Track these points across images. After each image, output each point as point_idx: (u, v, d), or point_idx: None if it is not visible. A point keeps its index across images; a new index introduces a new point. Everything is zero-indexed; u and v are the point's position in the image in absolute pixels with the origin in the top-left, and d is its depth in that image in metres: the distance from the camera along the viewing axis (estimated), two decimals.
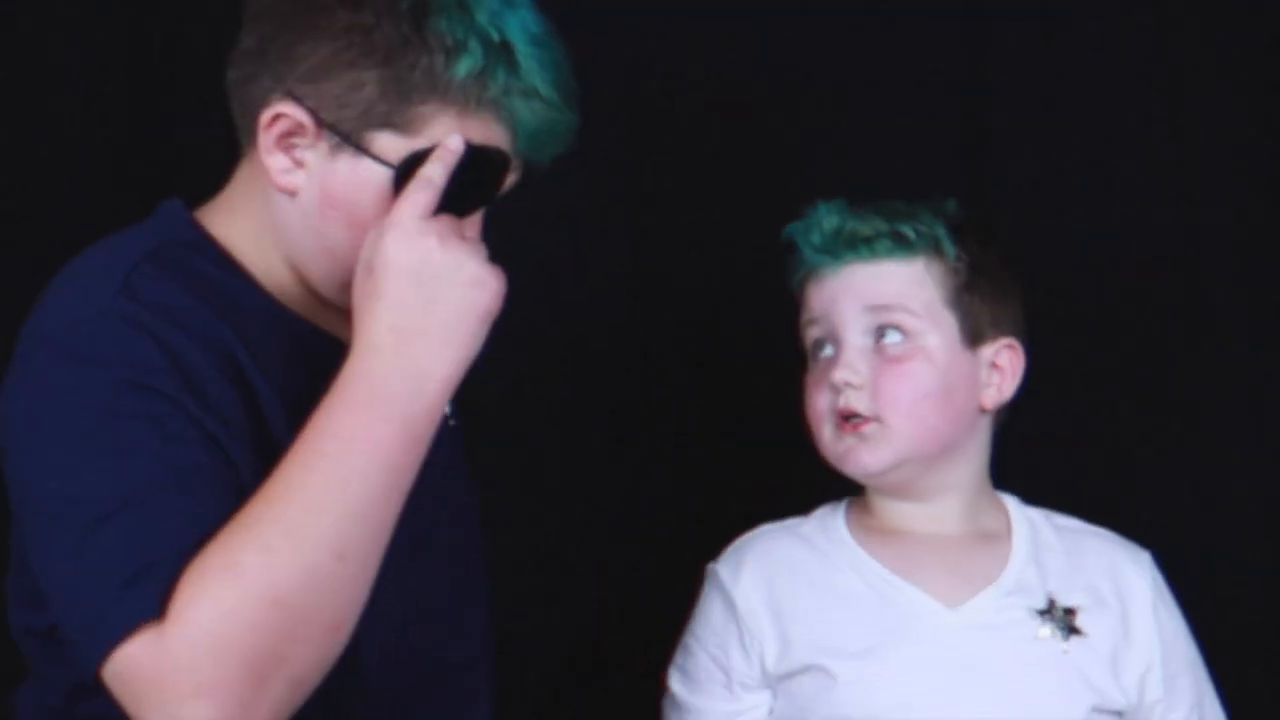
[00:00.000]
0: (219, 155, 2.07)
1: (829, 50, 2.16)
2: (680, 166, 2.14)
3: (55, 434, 1.26)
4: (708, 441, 2.14)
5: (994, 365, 1.71)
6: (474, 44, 1.34)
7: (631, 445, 2.15)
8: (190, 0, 2.09)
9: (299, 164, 1.37)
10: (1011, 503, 1.77)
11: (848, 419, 1.68)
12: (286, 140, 1.36)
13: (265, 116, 1.36)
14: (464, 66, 1.33)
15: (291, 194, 1.38)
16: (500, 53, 1.35)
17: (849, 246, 1.70)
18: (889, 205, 1.73)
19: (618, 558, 2.13)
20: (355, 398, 1.27)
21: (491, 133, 1.37)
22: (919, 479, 1.71)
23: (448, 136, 1.35)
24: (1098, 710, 1.66)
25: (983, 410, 1.71)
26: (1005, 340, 1.72)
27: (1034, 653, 1.66)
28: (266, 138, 1.37)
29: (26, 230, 2.04)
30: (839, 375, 1.68)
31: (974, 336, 1.70)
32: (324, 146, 1.35)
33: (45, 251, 2.05)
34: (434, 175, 1.34)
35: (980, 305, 1.70)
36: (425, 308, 1.29)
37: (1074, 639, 1.66)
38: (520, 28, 1.36)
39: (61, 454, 1.26)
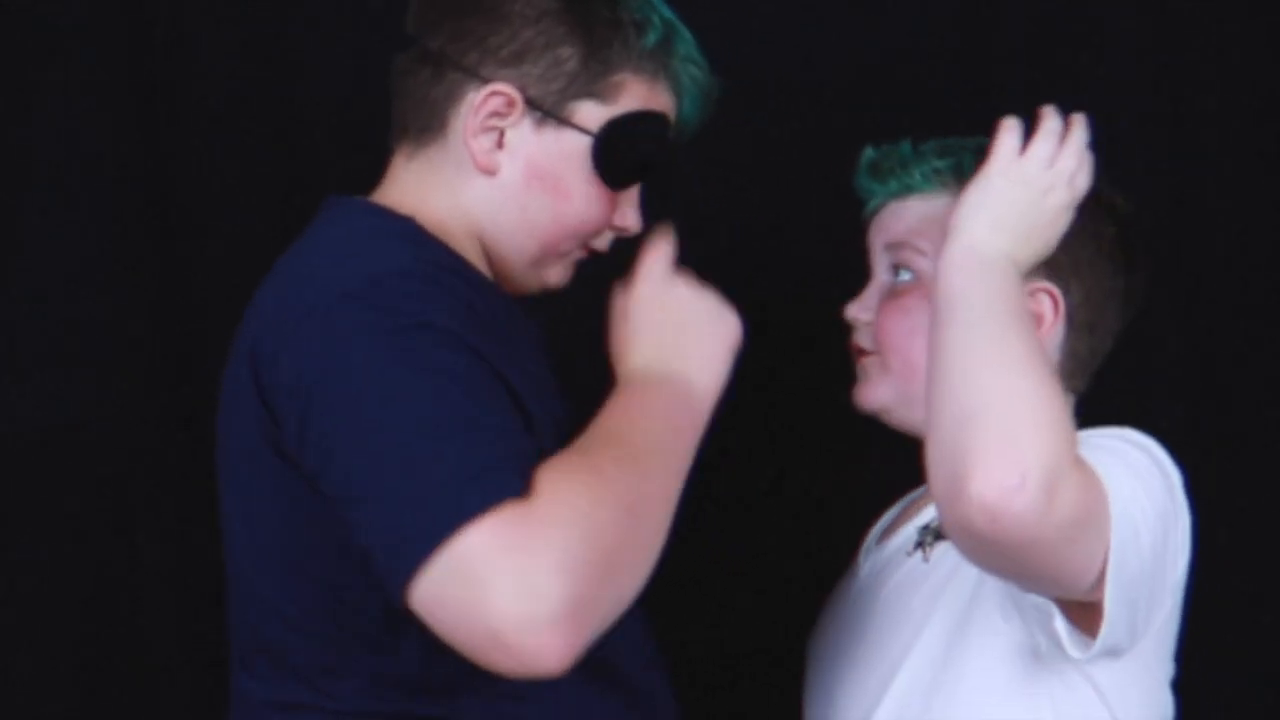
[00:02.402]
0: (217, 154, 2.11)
1: (830, 44, 2.16)
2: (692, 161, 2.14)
3: (385, 379, 1.31)
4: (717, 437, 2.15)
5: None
6: (655, 19, 1.53)
7: None
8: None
9: (500, 145, 1.51)
10: None
11: (860, 354, 1.68)
12: (489, 122, 1.50)
13: (475, 100, 1.50)
14: (651, 38, 1.52)
15: (492, 173, 1.51)
16: (670, 27, 1.55)
17: (878, 180, 1.68)
18: (944, 142, 1.67)
19: None
20: (641, 393, 1.43)
21: (666, 100, 1.55)
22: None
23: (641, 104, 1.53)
24: (987, 605, 1.55)
25: None
26: (1039, 284, 1.60)
27: (902, 573, 1.64)
28: (474, 121, 1.50)
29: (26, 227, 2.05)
30: (849, 311, 1.68)
31: None
32: (527, 123, 1.51)
33: (46, 249, 2.08)
34: (667, 231, 1.53)
35: None
36: (684, 345, 1.47)
37: (937, 547, 1.60)
38: (670, 10, 1.56)
39: (394, 389, 1.30)
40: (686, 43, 1.56)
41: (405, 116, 1.55)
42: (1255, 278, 2.17)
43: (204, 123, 2.10)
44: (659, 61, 1.54)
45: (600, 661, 1.33)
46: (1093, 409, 2.14)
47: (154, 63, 2.09)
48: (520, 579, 1.22)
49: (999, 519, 1.31)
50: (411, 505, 1.26)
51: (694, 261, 2.14)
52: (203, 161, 2.10)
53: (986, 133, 1.52)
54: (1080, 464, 1.38)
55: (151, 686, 2.07)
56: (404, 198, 1.53)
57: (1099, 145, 2.15)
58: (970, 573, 1.56)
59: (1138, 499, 1.44)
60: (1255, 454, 2.16)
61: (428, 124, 1.53)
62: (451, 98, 1.52)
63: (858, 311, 1.68)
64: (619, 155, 1.53)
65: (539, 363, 1.49)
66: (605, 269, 1.63)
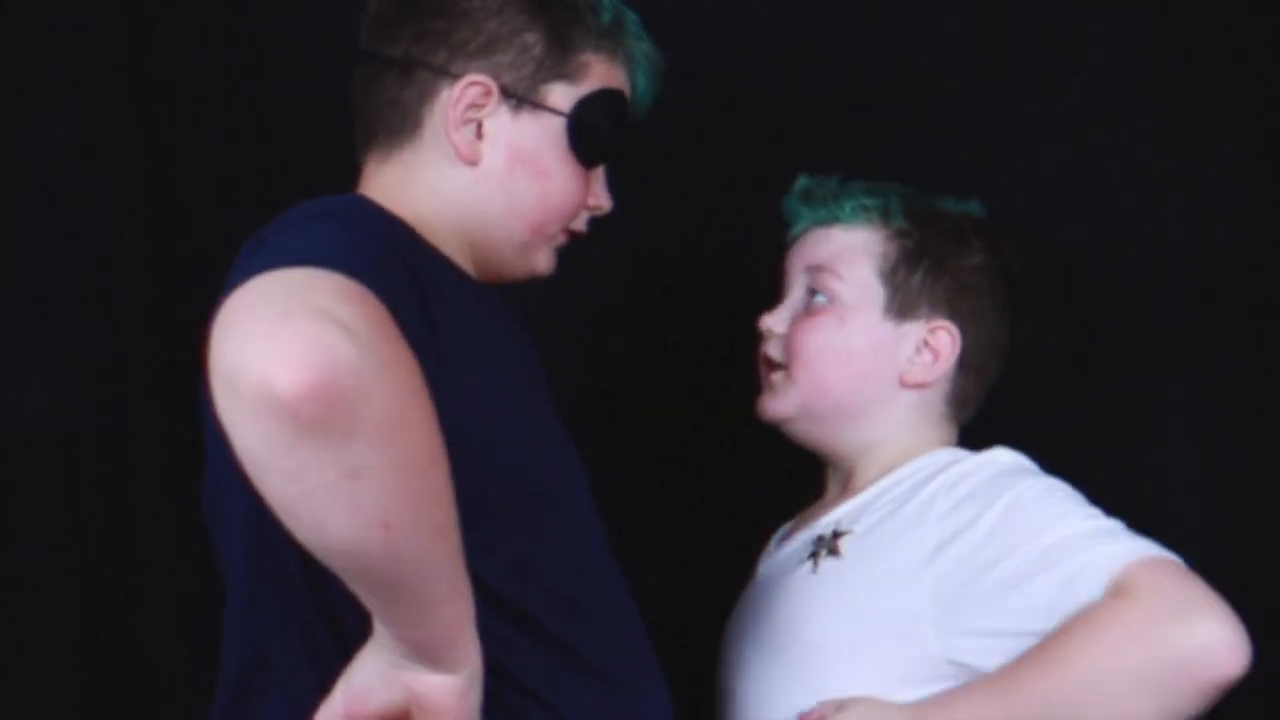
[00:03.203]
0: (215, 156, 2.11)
1: (831, 46, 2.16)
2: (677, 162, 2.15)
3: None
4: (704, 434, 2.15)
5: (926, 344, 1.75)
6: (605, 0, 1.59)
7: (627, 439, 2.15)
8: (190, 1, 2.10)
9: (479, 135, 1.55)
10: (931, 458, 1.73)
11: (769, 366, 1.78)
12: (468, 114, 1.54)
13: (453, 94, 1.54)
14: (605, 17, 1.58)
15: (475, 163, 1.55)
16: (618, 7, 1.61)
17: (808, 206, 1.80)
18: (872, 183, 1.79)
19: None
20: None
21: (623, 78, 1.61)
22: (828, 438, 1.77)
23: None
24: (876, 626, 1.64)
25: (903, 384, 1.75)
26: (940, 323, 1.75)
27: (791, 581, 1.72)
28: (455, 113, 1.54)
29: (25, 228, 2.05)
30: (764, 321, 1.78)
31: (902, 311, 1.74)
32: (504, 110, 1.55)
33: (46, 248, 2.08)
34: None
35: (920, 284, 1.74)
36: None
37: (827, 561, 1.69)
38: None
39: None
40: (634, 21, 1.62)
41: (374, 123, 1.58)
42: (1256, 278, 2.17)
43: (204, 123, 2.10)
44: (615, 39, 1.59)
45: (567, 648, 1.39)
46: (1096, 407, 2.15)
47: (154, 63, 2.09)
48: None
49: (1245, 654, 1.59)
50: None
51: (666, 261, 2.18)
52: (203, 161, 2.10)
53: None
54: (1148, 565, 1.58)
55: (151, 686, 2.07)
56: (381, 201, 1.52)
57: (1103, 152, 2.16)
58: (859, 603, 1.65)
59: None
60: (1256, 453, 2.16)
61: (400, 126, 1.56)
62: (424, 97, 1.55)
63: (773, 323, 1.78)
64: (590, 133, 1.58)
65: (527, 356, 1.52)
66: (582, 263, 1.67)
